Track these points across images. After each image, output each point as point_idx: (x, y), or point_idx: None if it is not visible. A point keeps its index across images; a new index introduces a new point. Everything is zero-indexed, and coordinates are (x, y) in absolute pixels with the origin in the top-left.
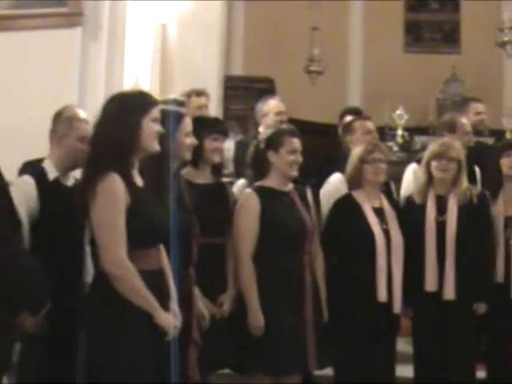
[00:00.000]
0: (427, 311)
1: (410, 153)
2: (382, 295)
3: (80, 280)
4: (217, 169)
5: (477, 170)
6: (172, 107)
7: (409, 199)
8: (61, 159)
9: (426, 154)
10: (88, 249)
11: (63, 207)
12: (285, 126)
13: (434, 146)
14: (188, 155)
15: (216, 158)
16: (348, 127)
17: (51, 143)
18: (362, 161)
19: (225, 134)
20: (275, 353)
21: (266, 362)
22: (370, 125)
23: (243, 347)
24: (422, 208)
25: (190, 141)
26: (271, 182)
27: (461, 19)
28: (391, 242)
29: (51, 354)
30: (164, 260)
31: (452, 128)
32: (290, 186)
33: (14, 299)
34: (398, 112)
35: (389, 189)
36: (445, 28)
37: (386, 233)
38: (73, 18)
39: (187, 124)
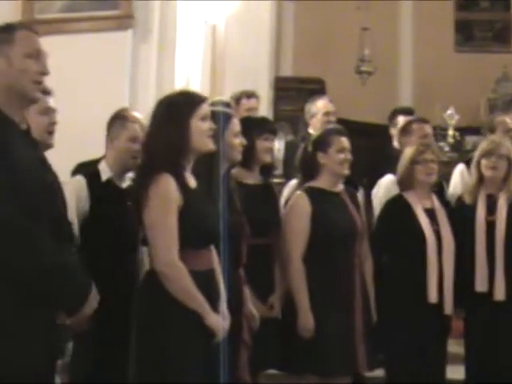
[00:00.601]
0: (478, 312)
1: (461, 153)
2: (432, 296)
3: (134, 280)
4: (266, 169)
5: None
6: (219, 108)
7: (459, 199)
8: (114, 160)
9: (477, 153)
10: (144, 249)
11: (115, 208)
12: (331, 126)
13: (483, 144)
14: (238, 156)
15: (267, 158)
16: (406, 129)
17: (106, 144)
18: (414, 161)
19: (274, 133)
20: (324, 354)
21: (315, 363)
22: (427, 128)
23: (292, 348)
24: (473, 208)
25: (239, 141)
26: (322, 182)
27: None
28: (442, 243)
29: (103, 353)
30: (215, 261)
31: (491, 128)
32: (341, 187)
33: (48, 298)
34: (448, 112)
35: (442, 189)
36: (496, 27)
37: (437, 234)
38: (124, 21)
39: (235, 124)
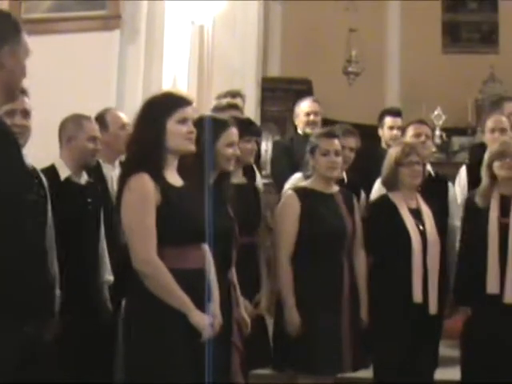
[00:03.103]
0: (487, 313)
1: (448, 154)
2: (417, 296)
3: (96, 278)
4: (249, 170)
5: None
6: (215, 115)
7: (469, 200)
8: (71, 159)
9: (487, 156)
10: (105, 246)
11: (76, 205)
12: (322, 129)
13: (493, 147)
14: (228, 165)
15: (249, 159)
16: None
17: (61, 144)
18: (399, 163)
19: (257, 134)
20: (311, 352)
21: (302, 362)
22: (423, 129)
23: (281, 346)
24: (486, 210)
25: (232, 151)
26: (313, 184)
27: (499, 19)
28: (427, 243)
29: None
30: (206, 260)
31: (483, 128)
32: (335, 189)
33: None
34: (436, 113)
35: (446, 189)
36: (483, 28)
37: (423, 234)
38: (111, 21)
39: (230, 134)
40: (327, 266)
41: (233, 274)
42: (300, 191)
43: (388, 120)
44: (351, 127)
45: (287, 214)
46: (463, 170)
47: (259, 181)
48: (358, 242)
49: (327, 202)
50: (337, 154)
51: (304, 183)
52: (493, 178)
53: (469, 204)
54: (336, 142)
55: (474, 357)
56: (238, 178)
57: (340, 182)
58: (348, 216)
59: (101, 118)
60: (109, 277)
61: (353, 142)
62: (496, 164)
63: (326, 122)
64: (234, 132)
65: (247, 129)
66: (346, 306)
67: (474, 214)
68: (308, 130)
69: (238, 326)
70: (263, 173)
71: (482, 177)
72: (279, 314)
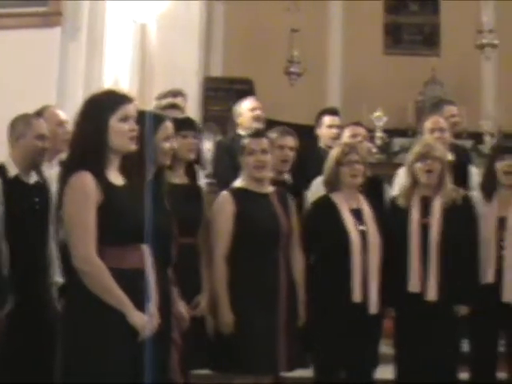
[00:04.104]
0: (410, 312)
1: (389, 154)
2: (356, 296)
3: (45, 277)
4: (191, 169)
5: (473, 169)
6: (151, 110)
7: (393, 201)
8: (20, 158)
9: (410, 156)
10: (54, 247)
11: (24, 204)
12: (252, 130)
13: (416, 147)
14: (166, 160)
15: (189, 155)
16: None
17: (10, 143)
18: (339, 163)
19: (193, 129)
20: (246, 352)
21: (238, 362)
22: (359, 130)
23: (218, 347)
24: (407, 210)
25: (169, 145)
26: (247, 183)
27: (440, 22)
28: (368, 243)
29: (17, 354)
30: (147, 260)
31: (425, 128)
32: (270, 189)
33: None
34: (376, 114)
35: (381, 189)
36: (425, 30)
37: (363, 234)
38: (52, 18)
39: (166, 128)
40: (263, 266)
41: (172, 271)
42: (234, 191)
43: (326, 119)
44: (288, 128)
45: (222, 214)
46: (402, 171)
47: (202, 181)
48: (294, 241)
49: (262, 202)
50: (264, 152)
51: (238, 183)
52: (414, 179)
53: (391, 205)
54: (263, 141)
55: (405, 355)
56: (180, 178)
57: (282, 182)
58: (283, 216)
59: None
60: (58, 278)
61: (291, 141)
62: (418, 166)
63: (267, 123)
64: (169, 126)
65: (183, 124)
66: (282, 306)
67: (396, 215)
68: (255, 125)
69: (176, 322)
70: (205, 172)
71: (405, 177)
72: (216, 313)
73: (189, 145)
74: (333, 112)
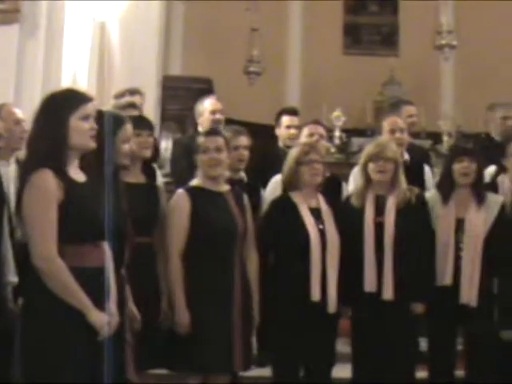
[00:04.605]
0: (366, 311)
1: (347, 154)
2: (315, 295)
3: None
4: (148, 168)
5: (426, 168)
6: (112, 111)
7: (347, 201)
8: None
9: (363, 156)
10: (9, 246)
11: None
12: (208, 128)
13: (369, 147)
14: (124, 161)
15: (144, 153)
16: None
17: None
18: (298, 162)
19: (148, 128)
20: (202, 352)
21: (194, 361)
22: (318, 129)
23: (173, 346)
24: (361, 210)
25: (128, 147)
26: (202, 182)
27: (399, 22)
28: (327, 242)
29: None
30: (107, 259)
31: (379, 129)
32: (226, 187)
33: None
34: (335, 113)
35: (340, 189)
36: (383, 31)
37: (322, 233)
38: (10, 15)
39: (126, 130)
40: (218, 265)
41: (125, 271)
42: (190, 189)
43: (285, 119)
44: (239, 127)
45: (178, 212)
46: (357, 170)
47: (160, 180)
48: (249, 240)
49: (217, 201)
50: (218, 151)
51: (194, 182)
52: (368, 178)
53: (346, 204)
54: (217, 139)
55: (362, 355)
56: (136, 177)
57: (239, 181)
58: (239, 215)
59: None
60: (12, 278)
61: (245, 140)
62: (371, 166)
63: (227, 122)
64: (129, 128)
65: (137, 122)
66: (237, 305)
67: (351, 214)
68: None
69: (129, 321)
70: (163, 171)
71: (358, 177)
72: (172, 312)
73: (143, 143)
74: (292, 112)
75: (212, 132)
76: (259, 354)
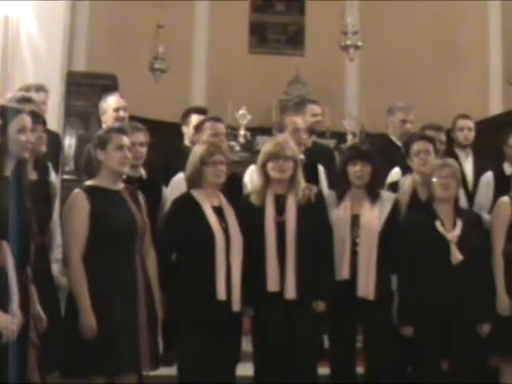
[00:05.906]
0: (269, 310)
1: (252, 152)
2: (221, 293)
3: None
4: (42, 165)
5: (320, 168)
6: (10, 104)
7: (246, 200)
8: None
9: (261, 156)
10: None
11: None
12: (114, 124)
13: (268, 146)
14: (23, 152)
15: (39, 149)
16: (199, 127)
17: None
18: (203, 162)
19: (41, 122)
20: (109, 353)
21: (100, 363)
22: (219, 127)
23: (78, 349)
24: (261, 209)
25: (25, 138)
26: (101, 181)
27: (305, 22)
28: (230, 241)
29: None
30: (7, 258)
31: (281, 127)
32: (121, 185)
33: None
34: (240, 112)
35: (240, 187)
36: (289, 30)
37: (226, 231)
38: None
39: (21, 120)
40: (120, 264)
41: (30, 270)
42: (87, 189)
43: (194, 118)
44: (137, 123)
45: (76, 213)
46: (253, 168)
47: (54, 177)
48: (147, 238)
49: (115, 199)
50: (129, 149)
51: (90, 181)
52: (267, 177)
53: (245, 203)
54: (127, 138)
55: (263, 354)
56: (29, 173)
57: (139, 179)
58: (137, 212)
59: None
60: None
61: (142, 136)
62: (270, 165)
63: (131, 119)
64: (25, 118)
65: (31, 117)
66: (141, 304)
67: (251, 213)
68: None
69: (34, 321)
70: (66, 168)
71: (257, 176)
72: (72, 314)
73: (38, 138)
74: (201, 111)
75: (123, 130)
76: (166, 353)
